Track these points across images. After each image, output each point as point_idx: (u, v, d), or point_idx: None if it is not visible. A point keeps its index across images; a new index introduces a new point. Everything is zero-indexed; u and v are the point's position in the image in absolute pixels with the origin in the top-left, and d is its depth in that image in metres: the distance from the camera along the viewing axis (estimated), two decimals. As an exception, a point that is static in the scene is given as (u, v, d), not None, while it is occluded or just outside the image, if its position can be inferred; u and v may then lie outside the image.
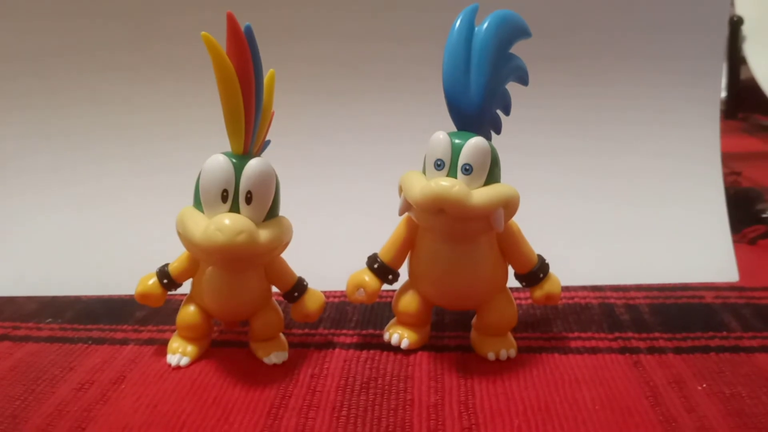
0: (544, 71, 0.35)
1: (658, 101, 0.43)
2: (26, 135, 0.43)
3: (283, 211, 0.32)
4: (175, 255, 0.34)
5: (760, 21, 0.91)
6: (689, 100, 0.43)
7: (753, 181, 0.63)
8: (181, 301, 0.35)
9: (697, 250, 0.42)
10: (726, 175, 0.46)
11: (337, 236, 0.40)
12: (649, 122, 0.43)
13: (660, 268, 0.42)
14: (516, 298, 0.35)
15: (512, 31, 0.31)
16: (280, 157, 0.33)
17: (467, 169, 0.30)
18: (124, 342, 0.36)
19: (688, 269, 0.42)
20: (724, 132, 0.89)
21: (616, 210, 0.43)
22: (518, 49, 0.32)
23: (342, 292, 0.40)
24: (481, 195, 0.30)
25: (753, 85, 0.92)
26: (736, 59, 0.93)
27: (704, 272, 0.42)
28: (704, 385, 0.31)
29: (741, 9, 0.92)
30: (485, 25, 0.31)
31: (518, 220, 0.33)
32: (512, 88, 0.32)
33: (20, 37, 0.42)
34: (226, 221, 0.29)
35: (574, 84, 0.43)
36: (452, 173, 0.30)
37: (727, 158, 0.71)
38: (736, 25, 0.91)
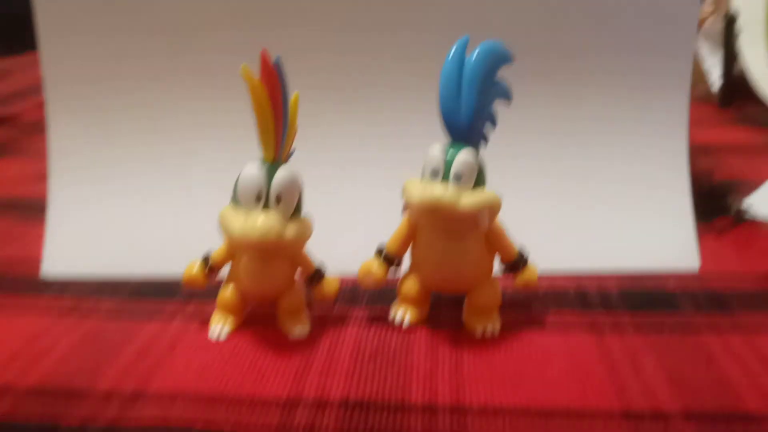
0: (521, 85, 0.40)
1: (627, 96, 0.48)
2: (84, 128, 0.49)
3: (307, 206, 0.39)
4: (212, 241, 0.40)
5: (752, 15, 0.95)
6: (657, 92, 0.48)
7: (733, 173, 0.68)
8: (218, 284, 0.42)
9: (662, 239, 0.48)
10: (705, 170, 0.51)
11: (351, 229, 0.46)
12: (619, 119, 0.48)
13: (630, 256, 0.47)
14: (501, 287, 0.41)
15: (497, 60, 0.37)
16: (305, 160, 0.40)
17: (458, 177, 0.36)
18: (172, 316, 0.42)
19: (654, 257, 0.47)
20: (716, 123, 0.94)
21: (590, 205, 0.49)
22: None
23: (356, 277, 0.46)
24: (468, 200, 0.36)
25: (747, 78, 0.96)
26: (731, 52, 0.97)
27: (669, 260, 0.47)
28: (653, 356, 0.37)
29: (736, 3, 0.96)
30: (474, 55, 0.37)
31: (507, 215, 0.39)
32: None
33: (80, 43, 0.49)
34: (260, 219, 0.35)
35: (553, 93, 0.48)
36: (445, 180, 0.37)
37: (713, 150, 0.76)
38: (731, 20, 0.95)
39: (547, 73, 0.48)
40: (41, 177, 0.50)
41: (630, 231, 0.49)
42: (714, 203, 0.57)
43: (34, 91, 0.97)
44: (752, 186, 0.63)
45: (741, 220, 0.55)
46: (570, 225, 0.49)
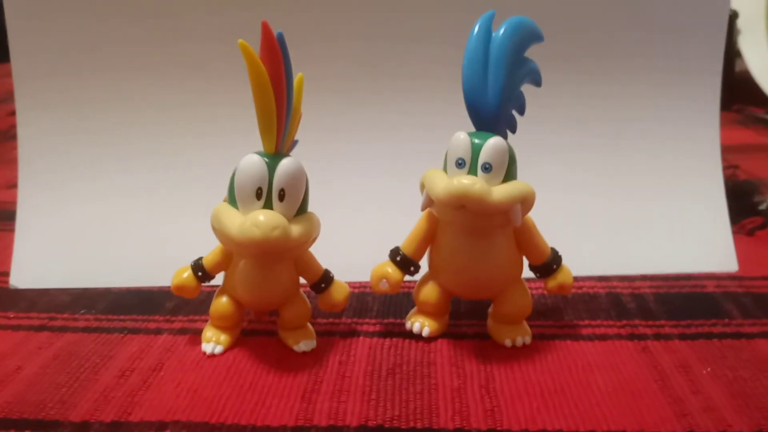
0: (553, 71, 0.36)
1: (660, 99, 0.45)
2: (55, 132, 0.45)
3: (310, 205, 0.34)
4: (201, 248, 0.36)
5: (753, 15, 0.93)
6: (689, 96, 0.45)
7: (749, 174, 0.65)
8: (209, 293, 0.37)
9: (698, 241, 0.44)
10: (724, 169, 0.48)
11: (359, 229, 0.42)
12: (651, 119, 0.45)
13: (663, 259, 0.44)
14: (529, 288, 0.37)
15: (527, 37, 0.33)
16: (308, 153, 0.35)
17: (487, 168, 0.32)
18: (157, 332, 0.37)
19: (690, 259, 0.44)
20: (720, 124, 0.91)
21: (622, 203, 0.45)
22: (529, 51, 0.34)
23: (362, 283, 0.42)
24: (501, 192, 0.31)
25: (747, 78, 0.94)
26: (731, 52, 0.95)
27: (705, 262, 0.44)
28: (708, 369, 0.33)
29: (736, 3, 0.94)
30: (501, 31, 0.33)
31: (531, 213, 0.35)
32: (525, 88, 0.34)
33: (49, 36, 0.44)
34: (261, 217, 0.30)
35: (580, 83, 0.44)
36: (473, 171, 0.32)
37: (723, 150, 0.73)
38: (731, 18, 0.93)
39: (575, 59, 0.44)
40: (14, 185, 0.46)
41: (661, 230, 0.45)
42: (741, 203, 0.53)
43: (9, 99, 0.92)
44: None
45: (772, 219, 0.51)
46: (596, 223, 0.45)
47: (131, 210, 0.45)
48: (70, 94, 0.44)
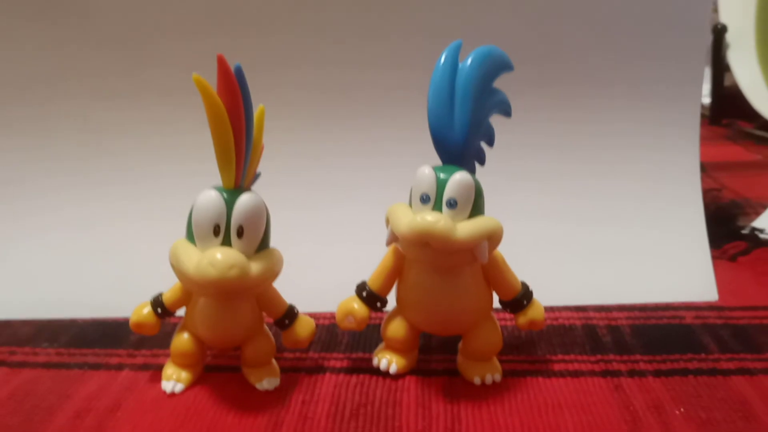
0: (525, 97, 0.35)
1: (637, 125, 0.44)
2: (18, 160, 0.44)
3: (274, 236, 0.33)
4: (166, 278, 0.35)
5: (742, 29, 0.92)
6: (668, 122, 0.45)
7: (735, 193, 0.64)
8: (174, 324, 0.36)
9: (677, 269, 0.44)
10: (708, 191, 0.47)
11: (326, 259, 0.41)
12: (628, 145, 0.44)
13: (642, 288, 0.43)
14: (500, 319, 0.36)
15: (495, 67, 0.32)
16: (271, 182, 0.34)
17: (452, 204, 0.31)
18: (119, 367, 0.36)
19: (669, 288, 0.43)
20: (708, 139, 0.91)
21: (598, 231, 0.44)
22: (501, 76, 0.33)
23: (332, 314, 0.41)
24: (465, 229, 0.30)
25: (736, 92, 0.93)
26: (720, 66, 0.94)
27: (685, 291, 0.43)
28: (682, 410, 0.32)
29: (724, 17, 0.94)
30: (468, 61, 0.32)
31: (505, 242, 0.34)
32: (496, 116, 0.33)
33: (12, 64, 0.43)
34: (218, 256, 0.29)
35: (554, 109, 0.44)
36: (437, 207, 0.31)
37: (710, 167, 0.73)
38: (720, 32, 0.92)
39: (547, 85, 0.43)
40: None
41: (640, 257, 0.44)
42: (723, 227, 0.52)
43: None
44: (756, 206, 0.59)
45: (755, 245, 0.50)
46: (572, 252, 0.44)
47: (97, 238, 0.44)
48: (31, 122, 0.43)
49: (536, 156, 0.44)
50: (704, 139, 0.87)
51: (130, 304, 0.35)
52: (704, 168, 0.71)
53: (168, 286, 0.35)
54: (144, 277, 0.38)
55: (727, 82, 0.95)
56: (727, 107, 0.96)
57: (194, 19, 0.42)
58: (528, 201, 0.43)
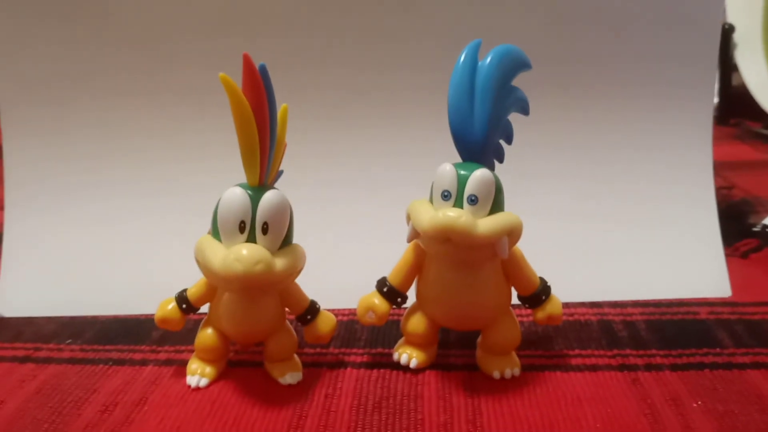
0: (541, 98, 0.36)
1: (651, 123, 0.45)
2: (39, 159, 0.45)
3: (296, 233, 0.34)
4: (188, 275, 0.35)
5: (751, 28, 0.92)
6: (681, 121, 0.45)
7: (745, 191, 0.65)
8: (195, 321, 0.37)
9: (691, 265, 0.44)
10: (719, 189, 0.48)
11: (346, 255, 0.42)
12: (642, 144, 0.45)
13: (656, 284, 0.43)
14: (518, 315, 0.36)
15: (514, 65, 0.33)
16: (295, 182, 0.35)
17: (473, 200, 0.32)
18: (143, 363, 0.37)
19: (683, 284, 0.43)
20: (717, 139, 0.91)
21: (613, 229, 0.44)
22: (518, 77, 0.33)
23: (351, 310, 0.41)
24: (486, 224, 0.31)
25: (744, 92, 0.93)
26: (727, 66, 0.95)
27: (698, 287, 0.43)
28: (699, 403, 0.32)
29: (732, 16, 0.94)
30: (488, 59, 0.32)
31: (522, 240, 0.34)
32: (514, 115, 0.34)
33: (32, 63, 0.44)
34: (244, 251, 0.30)
35: (570, 109, 0.44)
36: (458, 203, 0.32)
37: (719, 167, 0.73)
38: (727, 32, 0.93)
39: (563, 85, 0.43)
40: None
41: (654, 254, 0.44)
42: (734, 225, 0.53)
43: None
44: (767, 205, 0.60)
45: (766, 242, 0.51)
46: (587, 249, 0.44)
47: (119, 236, 0.44)
48: (57, 121, 0.44)
49: (552, 155, 0.44)
50: (713, 139, 0.87)
51: (151, 302, 0.36)
52: (714, 167, 0.72)
53: (188, 283, 0.36)
54: (164, 275, 0.38)
55: (734, 82, 0.96)
56: (735, 107, 0.96)
57: (214, 19, 0.42)
58: (544, 199, 0.44)
